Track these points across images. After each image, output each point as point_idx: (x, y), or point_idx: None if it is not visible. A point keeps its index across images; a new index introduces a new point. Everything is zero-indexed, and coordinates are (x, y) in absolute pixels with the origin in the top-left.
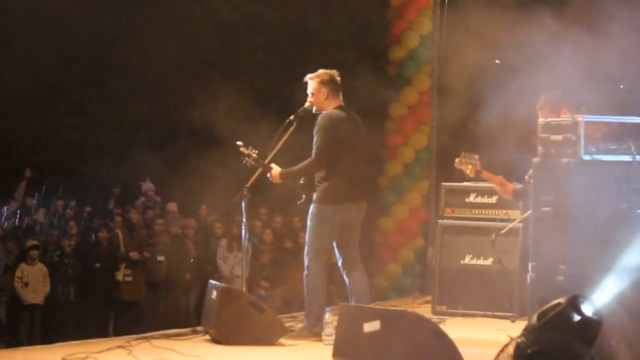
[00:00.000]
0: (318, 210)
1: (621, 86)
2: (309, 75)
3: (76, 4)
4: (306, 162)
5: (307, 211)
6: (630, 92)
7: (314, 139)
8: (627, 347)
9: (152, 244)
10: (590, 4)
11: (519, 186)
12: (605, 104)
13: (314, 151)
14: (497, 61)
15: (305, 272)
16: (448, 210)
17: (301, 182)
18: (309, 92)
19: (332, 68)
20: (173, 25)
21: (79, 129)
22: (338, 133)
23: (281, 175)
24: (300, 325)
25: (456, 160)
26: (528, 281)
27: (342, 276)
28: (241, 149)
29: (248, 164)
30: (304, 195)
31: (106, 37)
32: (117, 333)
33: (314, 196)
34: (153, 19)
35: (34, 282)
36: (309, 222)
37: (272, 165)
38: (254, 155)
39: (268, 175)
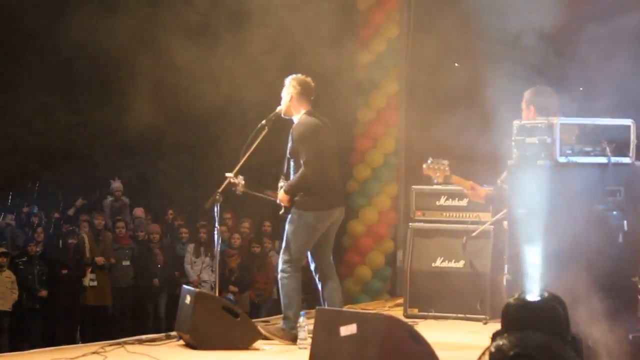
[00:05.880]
0: (299, 216)
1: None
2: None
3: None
4: (300, 174)
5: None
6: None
7: (295, 149)
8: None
9: (118, 249)
10: None
11: (490, 189)
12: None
13: (304, 161)
14: (456, 64)
15: (281, 275)
16: (419, 213)
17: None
18: (282, 94)
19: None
20: None
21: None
22: (318, 140)
23: (287, 193)
24: (277, 325)
25: (424, 166)
26: (504, 283)
27: (315, 281)
28: (231, 180)
29: (238, 191)
30: (284, 206)
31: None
32: (85, 339)
33: (295, 202)
34: None
35: (1, 289)
36: (287, 227)
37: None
38: (242, 183)
39: (278, 200)
